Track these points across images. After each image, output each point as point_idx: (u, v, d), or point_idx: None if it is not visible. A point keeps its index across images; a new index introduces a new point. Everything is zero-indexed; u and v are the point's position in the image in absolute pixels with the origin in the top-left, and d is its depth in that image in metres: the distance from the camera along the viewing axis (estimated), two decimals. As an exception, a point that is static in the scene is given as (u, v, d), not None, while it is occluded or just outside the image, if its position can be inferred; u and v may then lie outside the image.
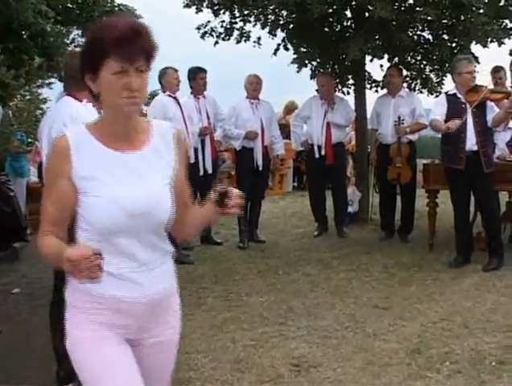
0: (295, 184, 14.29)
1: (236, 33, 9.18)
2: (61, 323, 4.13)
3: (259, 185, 8.51)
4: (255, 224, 8.73)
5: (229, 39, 9.18)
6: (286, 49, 9.09)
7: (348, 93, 9.39)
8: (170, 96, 7.59)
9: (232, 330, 5.21)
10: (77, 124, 3.78)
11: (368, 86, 9.41)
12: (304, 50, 8.94)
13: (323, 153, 8.51)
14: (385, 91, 8.77)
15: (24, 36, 5.83)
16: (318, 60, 9.21)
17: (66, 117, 3.83)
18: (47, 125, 4.02)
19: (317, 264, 7.26)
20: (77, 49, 4.25)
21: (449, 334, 4.96)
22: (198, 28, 9.19)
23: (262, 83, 8.42)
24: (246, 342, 4.94)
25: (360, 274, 6.80)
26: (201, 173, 7.99)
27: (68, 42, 15.51)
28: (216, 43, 9.23)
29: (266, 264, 7.41)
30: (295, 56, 8.99)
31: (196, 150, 7.89)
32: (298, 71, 9.22)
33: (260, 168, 8.29)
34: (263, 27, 9.12)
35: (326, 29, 8.77)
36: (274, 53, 9.26)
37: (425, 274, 6.69)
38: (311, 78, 9.30)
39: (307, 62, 9.25)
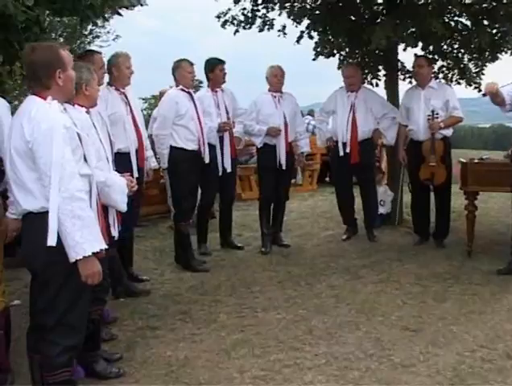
0: (328, 179, 13.65)
1: (258, 21, 8.56)
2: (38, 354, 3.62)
3: (283, 185, 7.88)
4: (279, 227, 8.12)
5: (250, 28, 8.58)
6: (311, 37, 8.42)
7: (377, 85, 8.69)
8: (183, 90, 6.99)
9: (241, 357, 4.61)
10: (35, 124, 3.23)
11: (401, 77, 8.69)
12: (330, 37, 8.23)
13: (348, 150, 7.84)
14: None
15: (19, 27, 5.30)
16: (347, 49, 8.52)
17: (24, 117, 3.30)
18: (11, 131, 3.48)
19: (344, 274, 6.64)
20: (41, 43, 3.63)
21: (490, 366, 4.28)
22: (218, 16, 8.60)
23: (285, 75, 7.80)
24: (256, 372, 4.34)
25: (389, 287, 6.15)
26: (220, 172, 7.41)
27: (87, 33, 15.10)
28: (237, 31, 8.63)
29: (288, 273, 6.80)
30: (316, 43, 8.31)
31: (213, 148, 7.30)
32: (314, 59, 8.55)
33: (283, 167, 7.66)
34: (289, 15, 8.47)
35: (355, 15, 8.06)
36: (298, 41, 8.60)
37: (463, 288, 6.02)
38: (338, 68, 8.63)
39: (335, 52, 8.59)
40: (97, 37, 15.98)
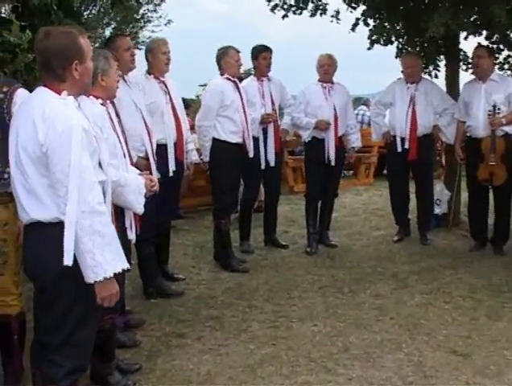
0: (386, 172, 13.12)
1: (310, 6, 8.06)
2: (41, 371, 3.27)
3: (331, 181, 7.41)
4: (326, 226, 7.67)
5: (300, 13, 8.08)
6: (367, 24, 7.87)
7: (437, 76, 8.09)
8: (228, 79, 6.59)
9: (267, 376, 4.21)
10: (50, 125, 2.78)
11: (463, 67, 8.07)
12: (386, 24, 7.67)
13: (406, 146, 7.31)
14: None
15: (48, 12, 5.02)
16: (405, 37, 7.94)
17: (36, 114, 2.85)
18: (15, 125, 3.05)
19: (390, 281, 6.15)
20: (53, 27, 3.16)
21: (546, 406, 3.78)
22: (268, 0, 8.14)
23: (337, 63, 7.30)
24: (280, 395, 3.94)
25: (439, 299, 5.63)
26: (263, 166, 7.00)
27: (138, 17, 14.84)
28: (286, 16, 8.15)
29: (331, 277, 6.36)
30: (371, 30, 7.75)
31: (257, 140, 6.89)
32: (369, 48, 8.01)
33: (332, 162, 7.19)
34: (344, 0, 7.95)
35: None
36: (353, 29, 8.07)
37: (521, 303, 5.47)
38: (396, 57, 8.09)
39: (393, 39, 8.02)
40: (149, 21, 15.81)
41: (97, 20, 13.82)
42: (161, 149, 5.77)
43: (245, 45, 7.01)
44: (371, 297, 5.74)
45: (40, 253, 2.99)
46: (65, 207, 2.83)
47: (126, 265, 2.99)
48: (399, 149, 7.34)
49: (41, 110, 2.87)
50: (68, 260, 2.84)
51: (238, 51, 6.64)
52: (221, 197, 6.65)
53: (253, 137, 6.79)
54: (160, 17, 16.56)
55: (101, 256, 2.85)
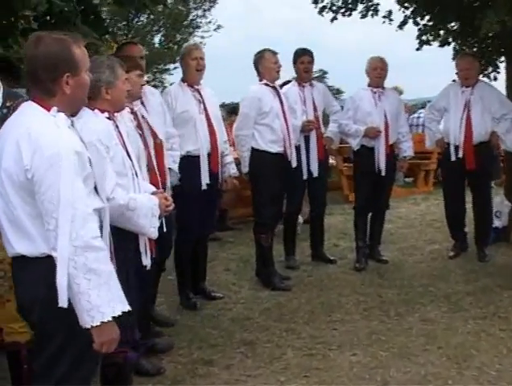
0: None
1: (360, 7, 7.65)
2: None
3: (381, 192, 6.94)
4: (377, 240, 7.19)
5: (350, 15, 7.68)
6: (416, 23, 7.39)
7: (496, 79, 7.54)
8: (267, 84, 6.22)
9: (295, 415, 3.81)
10: (37, 147, 2.43)
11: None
12: (437, 24, 7.18)
13: (460, 155, 6.78)
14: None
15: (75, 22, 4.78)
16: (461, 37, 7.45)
17: (21, 137, 2.49)
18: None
19: (442, 303, 5.63)
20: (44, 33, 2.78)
21: None
22: (315, 2, 7.75)
23: (388, 67, 6.85)
24: None
25: (494, 325, 5.07)
26: (305, 176, 6.59)
27: (186, 24, 14.62)
28: (335, 18, 7.76)
29: (379, 297, 5.90)
30: (420, 30, 7.28)
31: (298, 149, 6.50)
32: (418, 49, 7.54)
33: (383, 172, 6.73)
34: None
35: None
36: (400, 26, 7.63)
37: None
38: (453, 59, 7.58)
39: (450, 40, 7.53)
40: (198, 27, 15.64)
41: (145, 27, 13.67)
42: (193, 160, 5.46)
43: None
44: (419, 321, 5.24)
45: (27, 292, 2.63)
46: (55, 241, 2.46)
47: (127, 307, 2.60)
48: (453, 158, 6.83)
49: (26, 129, 2.51)
50: (62, 302, 2.48)
51: (275, 53, 6.27)
52: (261, 210, 6.28)
53: (295, 146, 6.40)
54: (210, 22, 16.62)
55: (97, 298, 2.48)
